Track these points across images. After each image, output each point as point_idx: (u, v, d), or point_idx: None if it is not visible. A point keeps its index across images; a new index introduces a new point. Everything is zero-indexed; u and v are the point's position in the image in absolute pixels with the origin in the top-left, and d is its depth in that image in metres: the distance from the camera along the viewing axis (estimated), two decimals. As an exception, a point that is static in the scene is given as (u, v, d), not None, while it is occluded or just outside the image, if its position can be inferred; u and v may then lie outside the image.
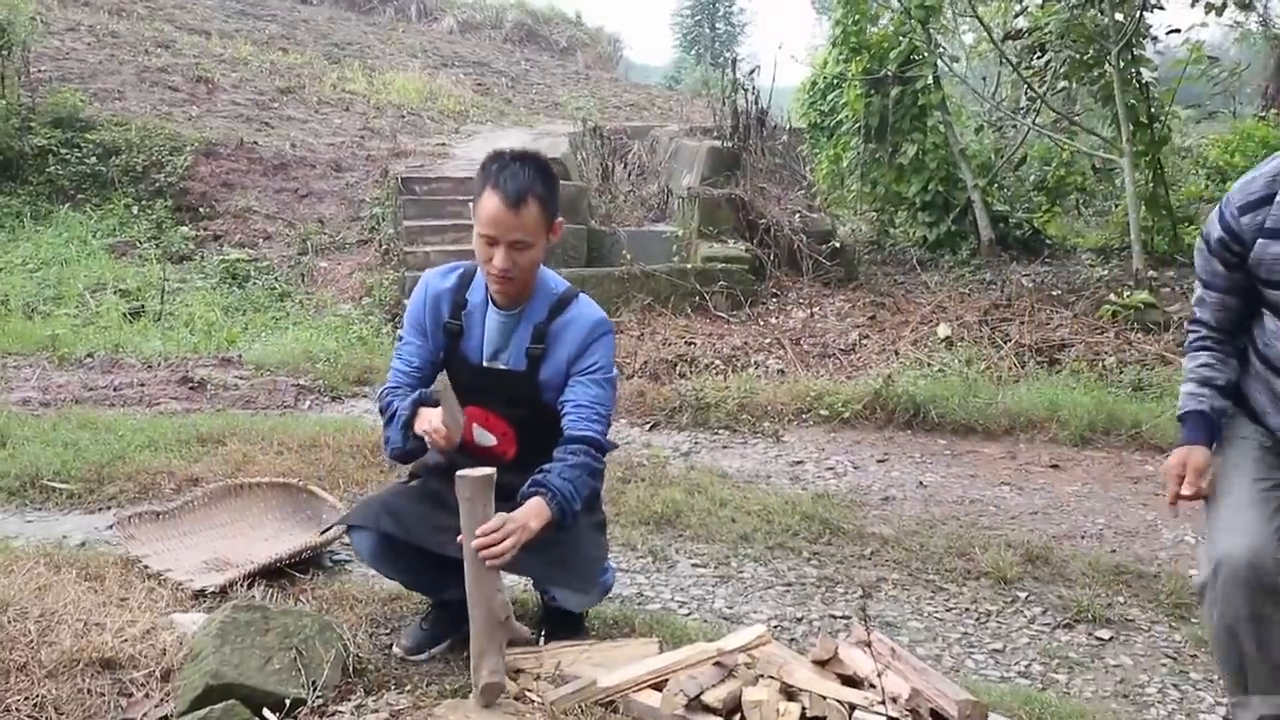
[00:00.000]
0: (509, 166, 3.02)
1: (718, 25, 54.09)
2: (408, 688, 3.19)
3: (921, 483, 5.92)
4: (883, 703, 2.85)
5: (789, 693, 2.98)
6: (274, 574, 4.01)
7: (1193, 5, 10.74)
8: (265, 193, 11.79)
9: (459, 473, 2.87)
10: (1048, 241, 11.85)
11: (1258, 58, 18.69)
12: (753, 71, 11.84)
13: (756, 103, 11.76)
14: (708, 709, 2.87)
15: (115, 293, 9.29)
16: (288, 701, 2.90)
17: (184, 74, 14.75)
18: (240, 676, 2.90)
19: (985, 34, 15.75)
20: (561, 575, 3.23)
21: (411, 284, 10.07)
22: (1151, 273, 9.79)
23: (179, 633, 3.28)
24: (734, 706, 2.89)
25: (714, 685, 2.99)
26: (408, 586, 3.61)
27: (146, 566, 3.97)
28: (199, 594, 3.77)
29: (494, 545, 2.81)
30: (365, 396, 7.31)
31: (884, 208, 12.63)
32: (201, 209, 11.43)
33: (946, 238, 11.70)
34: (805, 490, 5.66)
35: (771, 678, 3.05)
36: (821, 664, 3.19)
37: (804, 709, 2.89)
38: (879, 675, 2.90)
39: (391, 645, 3.47)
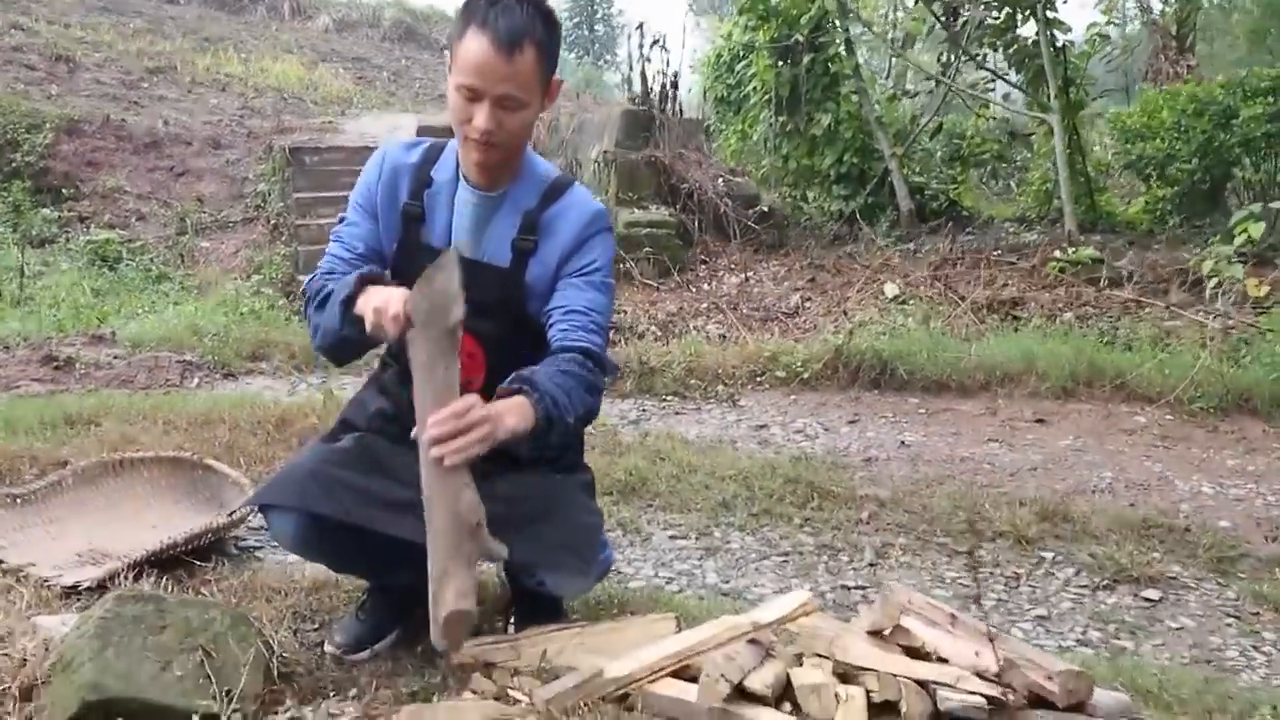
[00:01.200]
0: (502, 1, 2.28)
1: (596, 27, 53.80)
2: (352, 693, 2.47)
3: (903, 442, 5.44)
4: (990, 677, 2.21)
5: (844, 674, 2.31)
6: (166, 565, 3.21)
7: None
8: (137, 171, 10.81)
9: (410, 332, 2.12)
10: (964, 212, 11.44)
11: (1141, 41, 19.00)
12: (658, 40, 11.20)
13: (667, 65, 11.15)
14: (752, 697, 2.20)
15: (-33, 277, 8.25)
16: (196, 717, 2.13)
17: (41, 53, 13.58)
18: (129, 688, 2.13)
19: None
20: (556, 556, 2.45)
21: (306, 259, 9.41)
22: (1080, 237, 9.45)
23: (44, 637, 2.47)
24: (782, 692, 2.24)
25: (755, 668, 2.31)
26: (339, 571, 2.86)
27: (2, 561, 3.15)
28: (70, 591, 2.98)
29: (457, 434, 2.03)
30: (263, 373, 6.49)
31: (797, 181, 12.08)
32: (65, 190, 10.42)
33: (864, 210, 11.15)
34: (779, 454, 5.04)
35: (821, 655, 2.38)
36: (876, 635, 2.51)
37: (869, 692, 2.24)
38: (982, 650, 2.24)
39: (323, 643, 2.71)
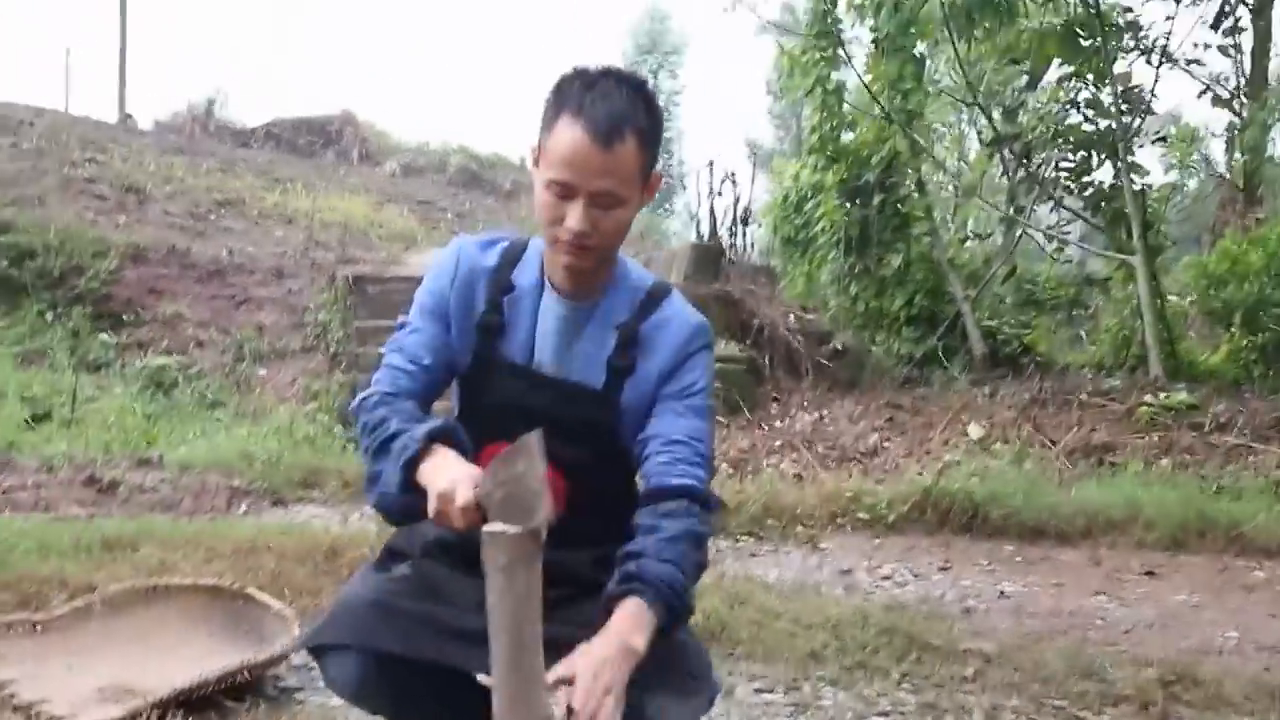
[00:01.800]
0: (598, 84, 1.99)
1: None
2: None
3: (1003, 592, 5.02)
4: None
5: None
6: (196, 705, 2.86)
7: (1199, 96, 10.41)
8: (198, 299, 10.74)
9: (486, 528, 1.72)
10: (1038, 358, 11.06)
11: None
12: (728, 176, 11.12)
13: (737, 202, 11.02)
14: None
15: (19, 400, 8.05)
16: None
17: (112, 184, 13.76)
18: None
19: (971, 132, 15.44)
20: (661, 675, 2.07)
21: (365, 387, 9.08)
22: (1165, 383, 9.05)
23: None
24: None
25: None
26: None
27: (13, 695, 2.80)
28: None
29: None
30: (314, 501, 6.18)
31: (866, 323, 11.78)
32: (125, 316, 10.35)
33: (934, 354, 10.80)
34: (868, 601, 4.62)
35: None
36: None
37: None
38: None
39: (371, 805, 2.32)
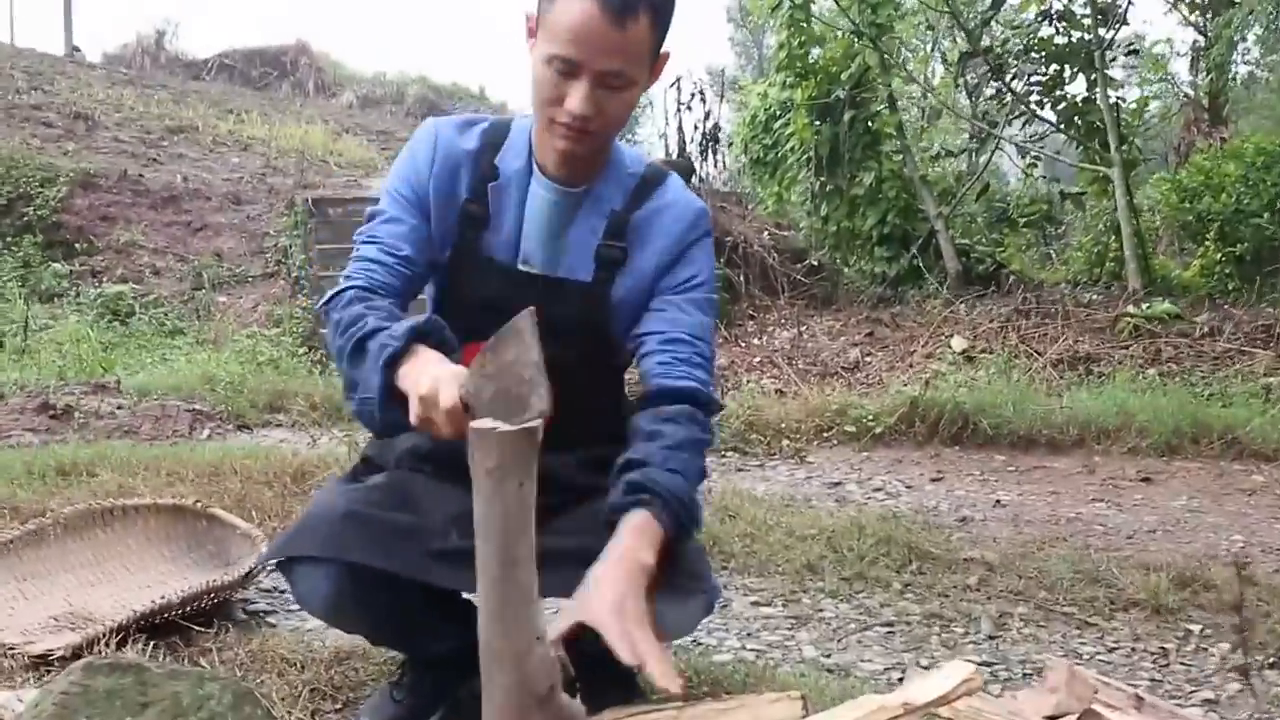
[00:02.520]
0: None
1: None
2: (383, 791, 1.89)
3: (998, 501, 4.88)
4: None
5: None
6: (159, 630, 2.66)
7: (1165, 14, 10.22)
8: (153, 226, 10.43)
9: (473, 424, 1.48)
10: (1011, 275, 10.91)
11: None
12: (696, 91, 10.83)
13: (706, 117, 10.74)
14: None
15: (-33, 331, 7.78)
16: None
17: (60, 111, 13.31)
18: (95, 784, 1.57)
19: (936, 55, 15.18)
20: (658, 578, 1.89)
21: (328, 313, 8.88)
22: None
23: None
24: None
25: (922, 763, 1.77)
26: (376, 641, 2.28)
27: (-41, 624, 2.59)
28: (39, 661, 2.46)
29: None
30: (280, 425, 5.96)
31: (839, 243, 11.58)
32: (77, 244, 10.05)
33: (908, 273, 10.61)
34: (862, 512, 4.47)
35: (1001, 747, 1.83)
36: (1054, 721, 1.97)
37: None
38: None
39: (348, 727, 2.15)
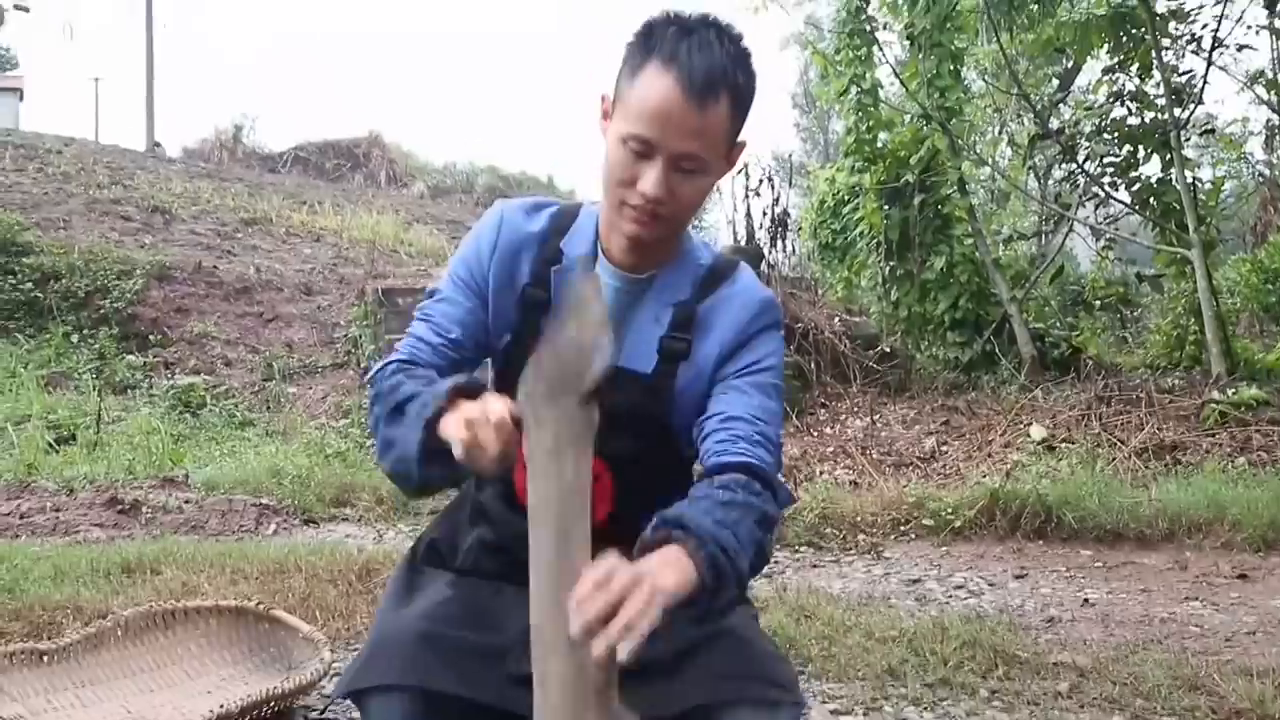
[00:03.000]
0: (696, 32, 1.70)
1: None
2: None
3: (1086, 600, 4.66)
4: None
5: None
6: (218, 741, 2.54)
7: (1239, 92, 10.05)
8: (226, 318, 10.54)
9: (523, 398, 1.43)
10: (1088, 360, 10.66)
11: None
12: (766, 176, 10.82)
13: (775, 203, 10.71)
14: None
15: (42, 424, 7.83)
16: None
17: (138, 205, 13.61)
18: None
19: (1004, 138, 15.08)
20: (740, 686, 1.70)
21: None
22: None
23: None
24: None
25: None
26: None
27: (15, 733, 2.51)
28: None
29: (608, 612, 1.34)
30: (346, 520, 5.90)
31: (909, 328, 11.42)
32: (152, 336, 10.16)
33: (982, 358, 10.41)
34: (943, 612, 4.29)
35: None
36: None
37: None
38: None
39: None
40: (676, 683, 1.66)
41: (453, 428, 1.50)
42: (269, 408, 8.95)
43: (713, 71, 1.66)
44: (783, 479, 1.82)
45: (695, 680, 1.70)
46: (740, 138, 1.78)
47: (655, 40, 1.70)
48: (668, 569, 1.44)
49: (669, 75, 1.66)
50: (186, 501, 5.74)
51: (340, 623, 3.75)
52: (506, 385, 1.66)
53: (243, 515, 5.53)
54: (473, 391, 1.59)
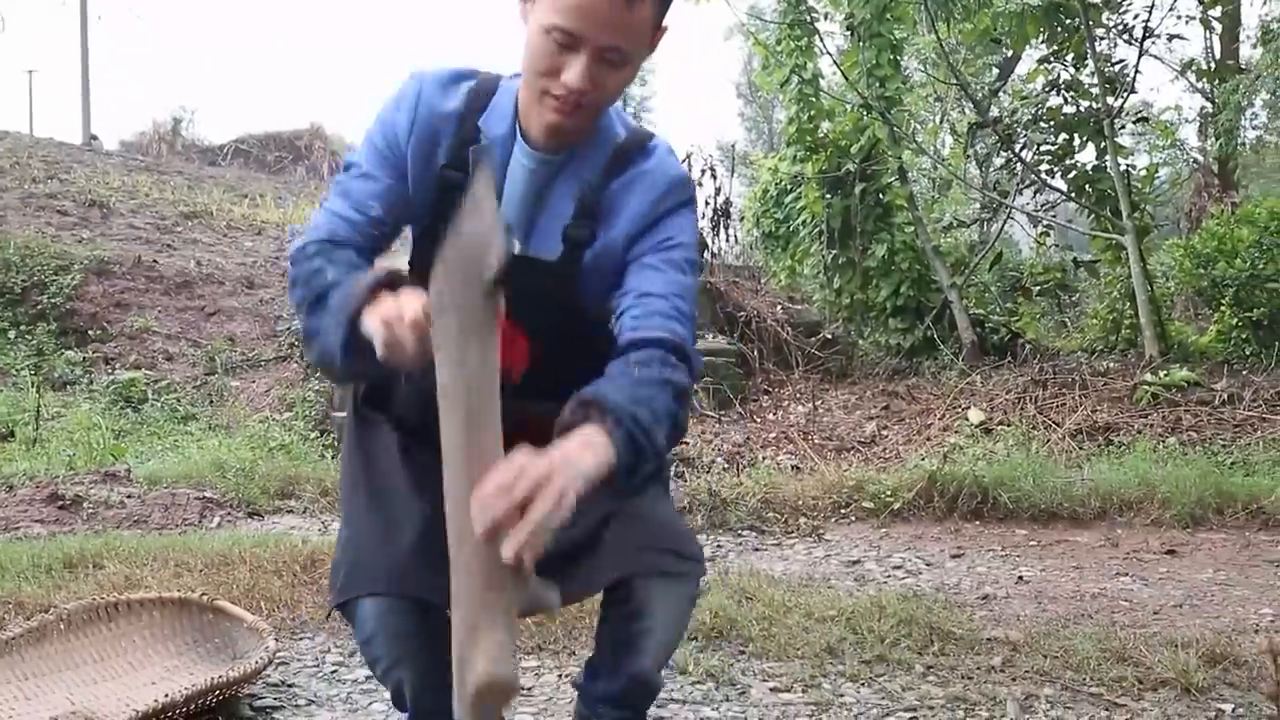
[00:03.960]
0: None
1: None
2: None
3: (1020, 577, 4.78)
4: None
5: None
6: (164, 729, 2.57)
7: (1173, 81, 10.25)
8: (166, 312, 10.42)
9: (431, 289, 1.50)
10: (1027, 344, 10.83)
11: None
12: (708, 166, 10.88)
13: (717, 193, 10.78)
14: None
15: (-21, 422, 7.74)
16: None
17: (75, 200, 13.40)
18: None
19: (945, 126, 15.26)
20: (654, 556, 1.80)
21: (342, 396, 8.85)
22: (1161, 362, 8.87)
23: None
24: None
25: None
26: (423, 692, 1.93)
27: (-42, 726, 2.52)
28: None
29: (517, 512, 1.38)
30: (291, 511, 5.90)
31: (852, 315, 11.55)
32: (91, 331, 10.00)
33: (923, 344, 10.57)
34: (881, 591, 4.38)
35: None
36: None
37: None
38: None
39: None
40: (592, 557, 1.74)
41: (372, 325, 1.55)
42: (212, 401, 8.89)
43: None
44: (692, 344, 1.86)
45: (610, 555, 1.78)
46: (664, 23, 1.81)
47: None
48: (586, 450, 1.49)
49: None
50: (129, 496, 5.70)
51: (285, 613, 3.76)
52: (425, 262, 1.68)
53: (186, 509, 5.50)
54: (393, 283, 1.63)
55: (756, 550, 5.27)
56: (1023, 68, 14.69)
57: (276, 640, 3.04)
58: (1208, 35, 16.16)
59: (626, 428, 1.55)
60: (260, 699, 3.00)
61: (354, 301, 1.61)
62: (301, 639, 3.62)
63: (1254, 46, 15.91)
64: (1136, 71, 9.92)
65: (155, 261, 11.35)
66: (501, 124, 1.88)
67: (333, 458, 6.87)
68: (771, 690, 3.31)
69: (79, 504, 5.44)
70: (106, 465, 6.38)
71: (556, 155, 1.87)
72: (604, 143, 1.90)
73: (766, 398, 8.66)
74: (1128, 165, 10.33)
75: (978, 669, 3.53)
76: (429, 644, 1.77)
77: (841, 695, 3.29)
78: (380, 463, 1.97)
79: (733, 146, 17.24)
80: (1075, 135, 10.34)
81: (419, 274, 1.67)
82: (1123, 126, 10.54)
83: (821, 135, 11.28)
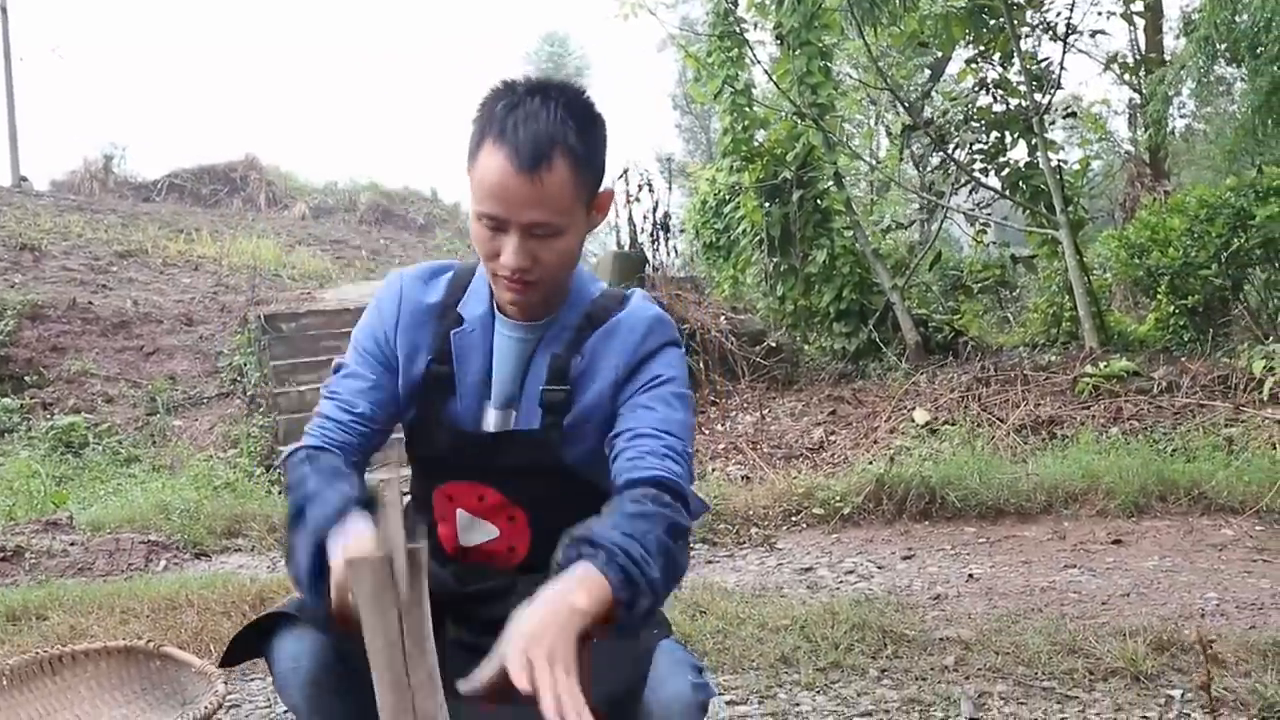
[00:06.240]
0: (522, 104, 1.74)
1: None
2: None
3: (971, 575, 4.84)
4: None
5: None
6: (112, 782, 2.52)
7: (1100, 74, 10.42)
8: (104, 354, 10.28)
9: (349, 557, 1.43)
10: (970, 342, 10.94)
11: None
12: (645, 180, 10.90)
13: (656, 208, 10.81)
14: None
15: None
16: None
17: (5, 243, 13.22)
18: None
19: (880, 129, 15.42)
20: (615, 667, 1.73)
21: (286, 428, 8.83)
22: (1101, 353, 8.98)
23: None
24: None
25: None
26: None
27: (-103, 793, 2.46)
28: None
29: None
30: (239, 550, 5.83)
31: (796, 322, 11.60)
32: (27, 377, 9.86)
33: (867, 347, 10.63)
34: (834, 597, 4.40)
35: None
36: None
37: None
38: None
39: None
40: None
41: (333, 560, 1.57)
42: (154, 442, 8.77)
43: (539, 141, 1.70)
44: (690, 485, 1.83)
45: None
46: (604, 188, 1.83)
47: (487, 118, 1.75)
48: (580, 587, 1.48)
49: (500, 152, 1.70)
50: (71, 544, 5.60)
51: (236, 656, 3.73)
52: (417, 450, 1.87)
53: (131, 553, 5.41)
54: (356, 506, 1.65)
55: (709, 563, 5.28)
56: (953, 68, 14.88)
57: (226, 684, 2.99)
58: (1131, 29, 16.41)
59: (619, 562, 1.54)
60: (211, 746, 2.95)
61: (320, 529, 1.63)
62: (252, 679, 3.58)
63: (1177, 37, 16.21)
64: (1062, 68, 10.08)
65: (90, 303, 11.20)
66: (480, 305, 1.92)
67: (279, 494, 6.80)
68: (728, 703, 3.32)
69: (20, 555, 5.34)
70: (48, 514, 6.27)
71: (536, 323, 1.90)
72: (578, 304, 1.92)
73: (714, 409, 8.67)
74: (1059, 160, 10.46)
75: (931, 669, 3.57)
76: None
77: (798, 704, 3.31)
78: None
79: (669, 159, 17.23)
80: (1006, 133, 10.48)
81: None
82: (1052, 122, 10.69)
83: (757, 145, 11.35)
